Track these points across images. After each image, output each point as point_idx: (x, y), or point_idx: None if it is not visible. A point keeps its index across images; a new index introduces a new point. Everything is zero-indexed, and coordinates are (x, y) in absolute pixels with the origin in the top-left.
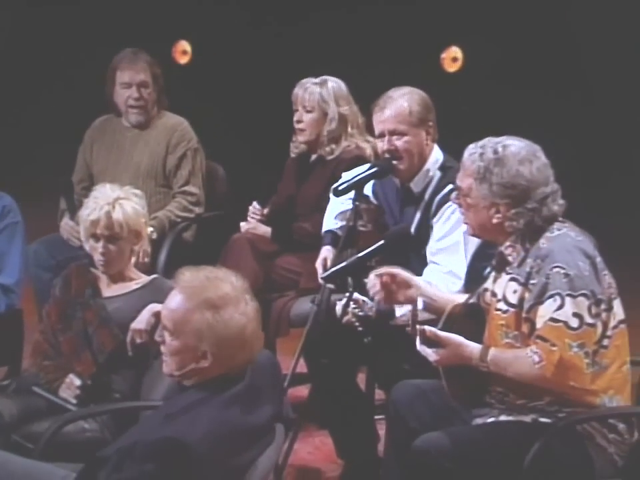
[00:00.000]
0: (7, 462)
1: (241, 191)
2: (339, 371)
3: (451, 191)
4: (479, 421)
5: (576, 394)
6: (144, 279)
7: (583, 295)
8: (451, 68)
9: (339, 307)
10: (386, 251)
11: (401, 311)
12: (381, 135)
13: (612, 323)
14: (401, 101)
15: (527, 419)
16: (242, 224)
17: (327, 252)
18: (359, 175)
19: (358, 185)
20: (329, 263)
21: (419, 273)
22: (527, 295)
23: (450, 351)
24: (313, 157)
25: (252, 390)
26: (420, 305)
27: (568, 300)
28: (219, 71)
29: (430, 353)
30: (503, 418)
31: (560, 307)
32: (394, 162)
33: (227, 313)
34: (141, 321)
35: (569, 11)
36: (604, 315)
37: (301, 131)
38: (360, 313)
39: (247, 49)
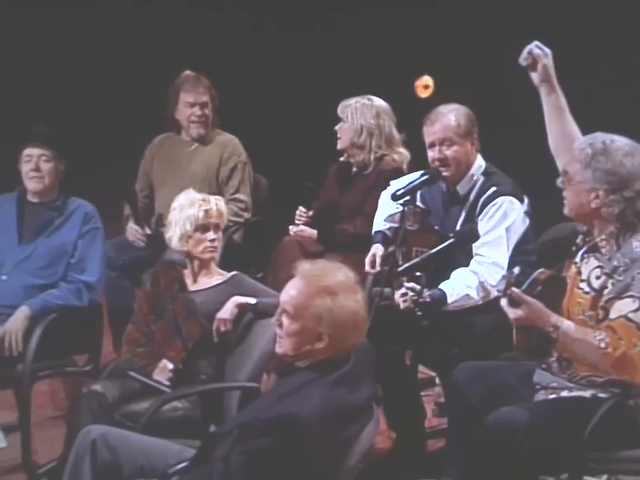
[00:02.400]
0: (129, 439)
1: (280, 198)
2: (393, 353)
3: (495, 192)
4: (540, 396)
5: (627, 382)
6: (225, 274)
7: None
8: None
9: (398, 296)
10: (454, 248)
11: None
12: (432, 145)
13: None
14: (449, 116)
15: (587, 394)
16: (291, 227)
17: (376, 249)
18: (413, 182)
19: (413, 191)
20: (377, 260)
21: (464, 265)
22: (609, 285)
23: (529, 313)
24: (355, 168)
25: (354, 372)
26: (516, 270)
27: None
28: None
29: (511, 311)
30: (564, 394)
31: (636, 309)
32: (442, 169)
33: (343, 299)
34: (226, 312)
35: None
36: None
37: (338, 139)
38: (420, 300)
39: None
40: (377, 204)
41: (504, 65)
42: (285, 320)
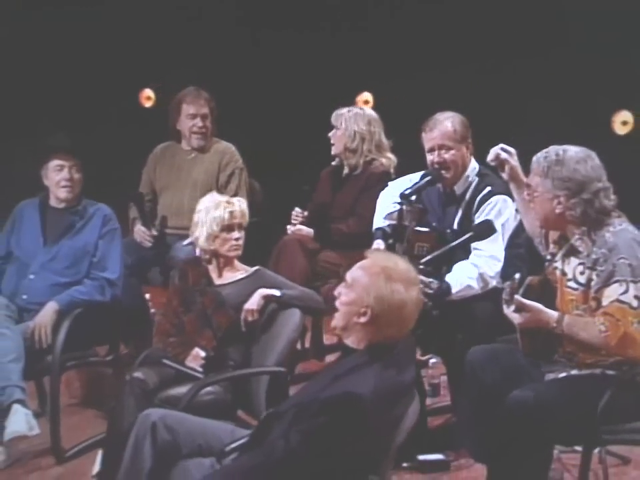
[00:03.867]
0: (185, 420)
1: (275, 201)
2: None
3: (490, 192)
4: (550, 376)
5: (632, 360)
6: (248, 269)
7: None
8: None
9: None
10: (472, 242)
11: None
12: (431, 150)
13: None
14: (446, 123)
15: (597, 371)
16: (289, 227)
17: (378, 245)
18: (418, 182)
19: (419, 190)
20: None
21: (462, 259)
22: (594, 277)
23: (532, 316)
24: (345, 171)
25: (400, 356)
26: (517, 276)
27: (631, 285)
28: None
29: (515, 317)
30: (573, 372)
31: (625, 292)
32: (442, 171)
33: (397, 285)
34: (253, 303)
35: None
36: None
37: (332, 145)
38: (429, 291)
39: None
40: (368, 204)
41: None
42: (343, 290)
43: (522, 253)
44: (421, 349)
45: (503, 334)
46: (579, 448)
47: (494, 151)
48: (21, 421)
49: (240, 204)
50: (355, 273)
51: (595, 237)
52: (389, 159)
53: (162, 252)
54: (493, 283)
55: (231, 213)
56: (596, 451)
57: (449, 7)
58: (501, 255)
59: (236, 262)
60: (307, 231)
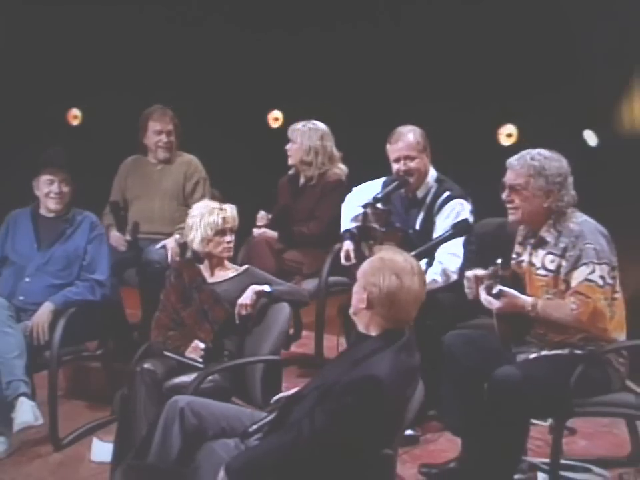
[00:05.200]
0: (209, 405)
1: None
2: None
3: (449, 196)
4: (522, 357)
5: (600, 333)
6: (238, 268)
7: (605, 263)
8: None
9: None
10: (451, 239)
11: None
12: (397, 160)
13: (617, 283)
14: (409, 135)
15: (565, 351)
16: (254, 229)
17: (347, 245)
18: (387, 189)
19: (389, 195)
20: (351, 254)
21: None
22: (563, 263)
23: (509, 300)
24: (302, 180)
25: (410, 341)
26: (499, 261)
27: (597, 267)
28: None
29: (494, 302)
30: (543, 353)
31: (592, 272)
32: (408, 178)
33: (389, 275)
34: (247, 298)
35: None
36: (615, 277)
37: (289, 156)
38: None
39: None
40: (326, 209)
41: None
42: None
43: (473, 250)
44: None
45: (462, 320)
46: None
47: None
48: (28, 412)
49: (231, 210)
50: (361, 267)
51: (560, 227)
52: (340, 169)
53: (136, 255)
54: (454, 277)
55: (224, 218)
56: (547, 423)
57: (358, 30)
58: (461, 252)
59: (226, 261)
60: (272, 233)
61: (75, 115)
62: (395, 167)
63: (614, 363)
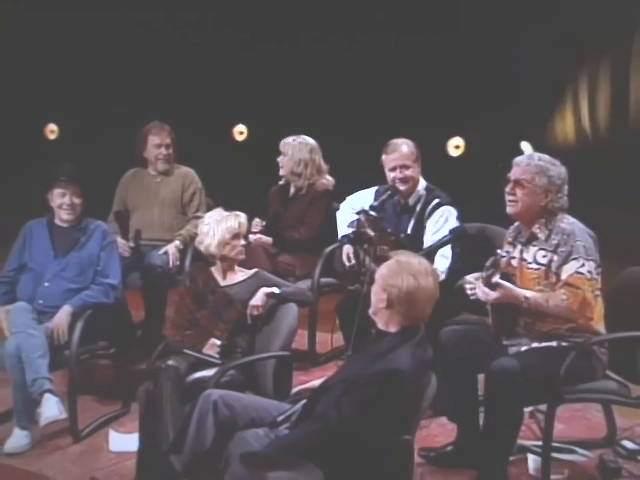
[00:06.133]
0: (240, 398)
1: None
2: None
3: (438, 203)
4: (513, 349)
5: (587, 322)
6: (247, 271)
7: (592, 260)
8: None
9: None
10: (449, 243)
11: None
12: (394, 168)
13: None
14: (404, 146)
15: (553, 344)
16: (250, 235)
17: (347, 249)
18: (383, 197)
19: (384, 203)
20: (351, 256)
21: None
22: (555, 258)
23: (505, 292)
24: (292, 190)
25: (424, 337)
26: (499, 252)
27: (586, 262)
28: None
29: (490, 293)
30: (534, 345)
31: (582, 266)
32: (401, 186)
33: (407, 276)
34: (258, 299)
35: None
36: (599, 274)
37: (281, 167)
38: None
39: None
40: (315, 216)
41: None
42: (374, 284)
43: (457, 252)
44: None
45: (451, 317)
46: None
47: None
48: (53, 407)
49: (244, 217)
50: (379, 270)
51: (550, 226)
52: (327, 180)
53: (138, 260)
54: (443, 276)
55: (239, 223)
56: (528, 410)
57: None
58: (449, 253)
59: (235, 266)
60: (266, 239)
61: (51, 130)
62: (391, 175)
63: (597, 353)
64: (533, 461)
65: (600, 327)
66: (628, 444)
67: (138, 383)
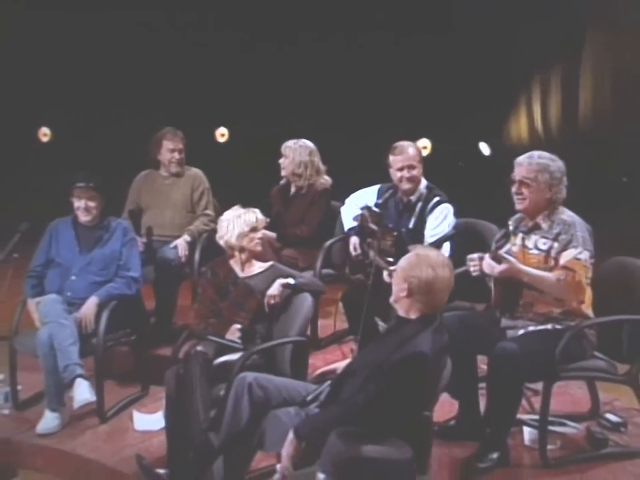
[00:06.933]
0: (272, 380)
1: None
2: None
3: (438, 201)
4: (511, 332)
5: (578, 305)
6: (263, 264)
7: (588, 250)
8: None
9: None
10: (452, 237)
11: None
12: (401, 169)
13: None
14: (410, 148)
15: (548, 327)
16: None
17: (354, 240)
18: (386, 195)
19: (387, 200)
20: (357, 246)
21: None
22: (555, 245)
23: (509, 267)
24: (293, 190)
25: (441, 323)
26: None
27: (583, 250)
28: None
29: (497, 267)
30: (530, 329)
31: (580, 253)
32: (407, 185)
33: (426, 268)
34: (274, 289)
35: None
36: (592, 264)
37: (282, 169)
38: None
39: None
40: (315, 214)
41: None
42: (394, 275)
43: (456, 241)
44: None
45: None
46: None
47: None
48: (85, 391)
49: (260, 212)
50: (399, 262)
51: (553, 218)
52: (325, 180)
53: (151, 254)
54: None
55: (257, 218)
56: None
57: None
58: (448, 247)
59: (253, 259)
60: (271, 235)
61: (44, 133)
62: (398, 174)
63: (588, 335)
64: (528, 432)
65: (589, 311)
66: (611, 417)
67: (154, 367)
